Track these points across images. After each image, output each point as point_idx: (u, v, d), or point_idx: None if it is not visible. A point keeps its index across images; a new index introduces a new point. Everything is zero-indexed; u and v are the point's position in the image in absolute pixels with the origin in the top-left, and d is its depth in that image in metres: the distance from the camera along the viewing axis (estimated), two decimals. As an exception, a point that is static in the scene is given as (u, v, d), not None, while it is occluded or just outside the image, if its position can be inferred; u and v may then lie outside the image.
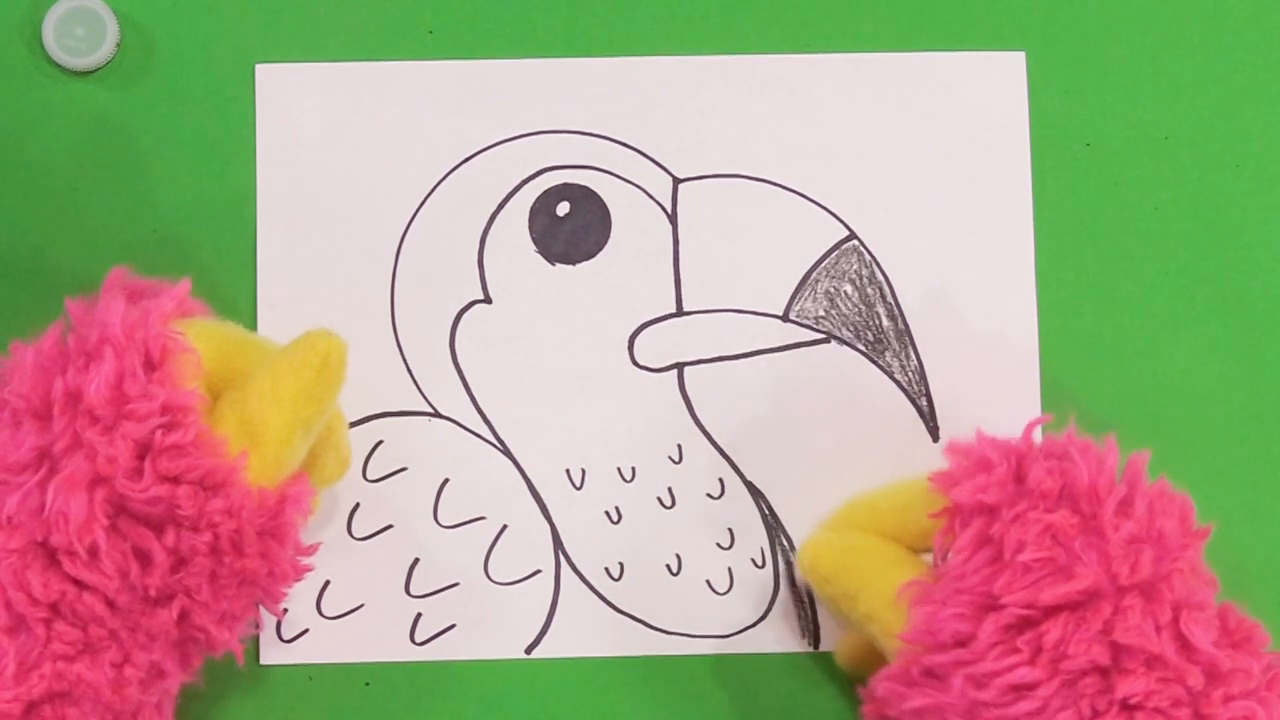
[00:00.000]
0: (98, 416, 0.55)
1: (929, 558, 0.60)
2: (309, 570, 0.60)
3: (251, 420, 0.57)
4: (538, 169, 0.67)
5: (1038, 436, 0.59)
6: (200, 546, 0.55)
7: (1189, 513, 0.58)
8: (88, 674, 0.55)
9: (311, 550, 0.60)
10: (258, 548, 0.56)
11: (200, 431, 0.56)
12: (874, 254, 0.67)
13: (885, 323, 0.67)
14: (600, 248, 0.67)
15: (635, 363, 0.66)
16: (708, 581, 0.66)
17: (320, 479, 0.61)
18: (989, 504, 0.57)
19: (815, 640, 0.66)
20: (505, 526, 0.66)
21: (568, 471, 0.66)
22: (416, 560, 0.65)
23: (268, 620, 0.64)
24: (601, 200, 0.67)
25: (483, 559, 0.66)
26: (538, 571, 0.66)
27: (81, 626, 0.55)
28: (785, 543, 0.66)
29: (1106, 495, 0.56)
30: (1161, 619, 0.55)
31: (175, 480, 0.55)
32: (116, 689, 0.56)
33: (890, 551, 0.60)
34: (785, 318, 0.67)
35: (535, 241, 0.67)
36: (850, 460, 0.66)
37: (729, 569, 0.66)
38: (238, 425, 0.57)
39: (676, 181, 0.67)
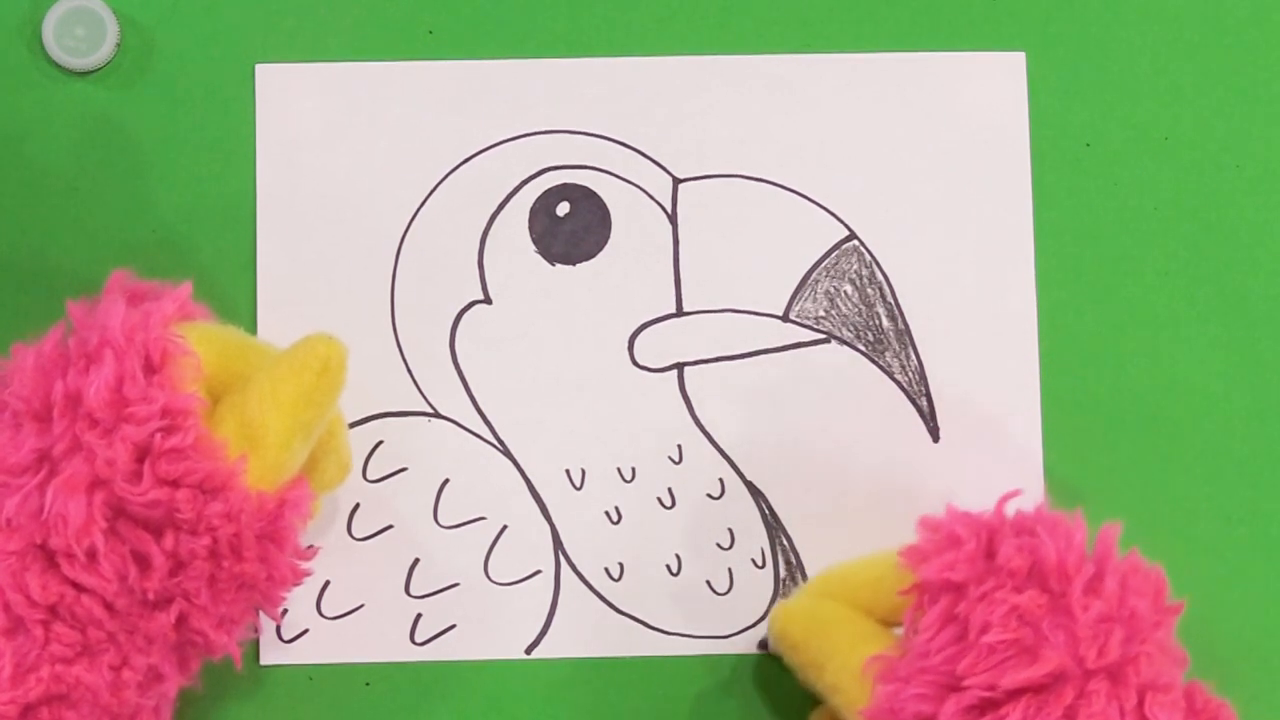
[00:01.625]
0: (97, 419, 0.55)
1: (902, 631, 0.59)
2: (308, 575, 0.60)
3: (251, 424, 0.56)
4: (538, 169, 0.67)
5: (1010, 510, 0.58)
6: (199, 550, 0.55)
7: (1162, 588, 0.57)
8: (86, 676, 0.55)
9: (310, 555, 0.60)
10: (256, 552, 0.56)
11: (200, 435, 0.55)
12: (874, 254, 0.67)
13: (885, 323, 0.67)
14: (600, 248, 0.67)
15: (635, 363, 0.66)
16: (708, 582, 0.66)
17: (321, 483, 0.61)
18: (956, 581, 0.56)
19: (815, 640, 0.66)
20: (505, 527, 0.66)
21: (568, 471, 0.66)
22: (416, 560, 0.65)
23: (267, 621, 0.64)
24: (601, 200, 0.67)
25: (483, 559, 0.66)
26: (538, 572, 0.66)
27: (80, 629, 0.55)
28: (785, 543, 0.66)
29: (1075, 573, 0.55)
30: (1127, 703, 0.54)
31: (174, 484, 0.55)
32: (114, 692, 0.56)
33: (860, 624, 0.60)
34: (785, 318, 0.67)
35: (535, 241, 0.67)
36: (850, 460, 0.66)
37: (729, 569, 0.66)
38: (237, 429, 0.57)
39: (676, 181, 0.67)
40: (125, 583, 0.55)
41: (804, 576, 0.66)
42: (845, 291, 0.67)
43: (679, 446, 0.66)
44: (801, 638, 0.61)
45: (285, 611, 0.65)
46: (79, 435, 0.55)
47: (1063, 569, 0.55)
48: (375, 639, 0.65)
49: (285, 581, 0.58)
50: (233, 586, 0.57)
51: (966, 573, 0.56)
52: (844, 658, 0.59)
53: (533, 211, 0.67)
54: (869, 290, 0.67)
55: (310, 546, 0.60)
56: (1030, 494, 0.66)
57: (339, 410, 0.61)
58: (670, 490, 0.66)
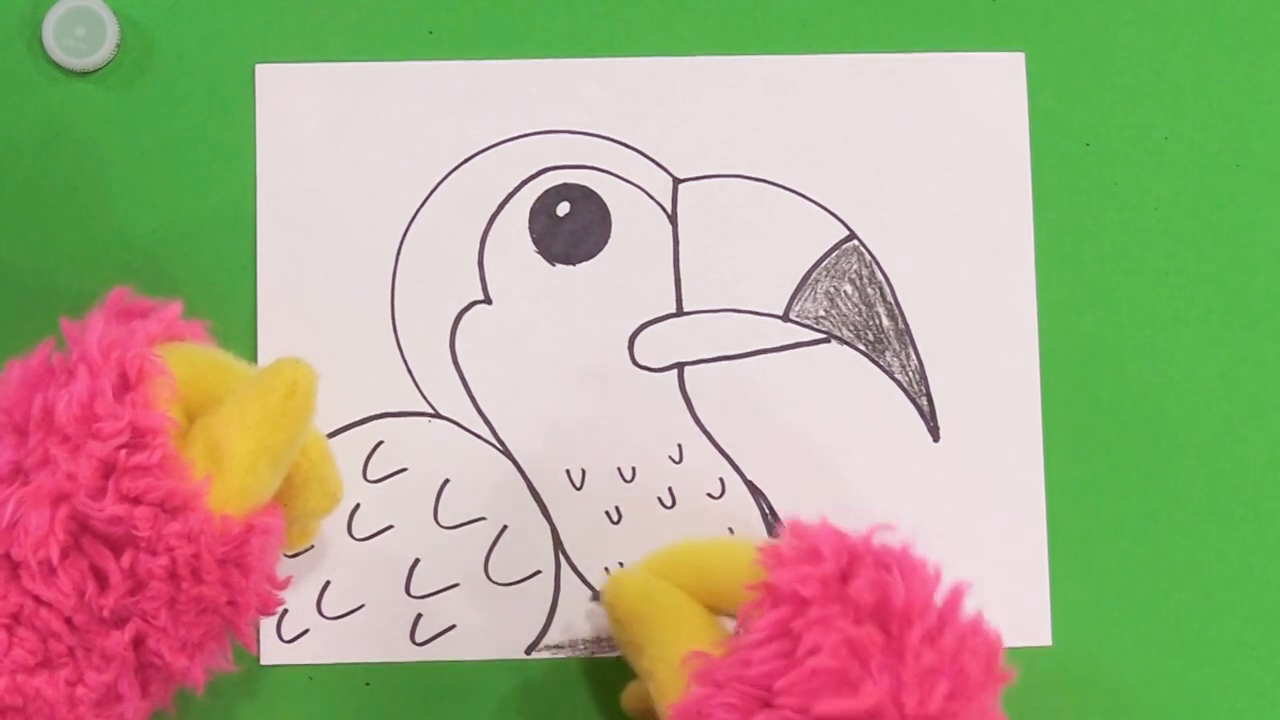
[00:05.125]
0: (67, 435, 0.55)
1: (734, 626, 0.58)
2: (280, 604, 0.59)
3: (217, 446, 0.56)
4: (538, 169, 0.67)
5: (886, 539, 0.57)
6: (157, 570, 0.55)
7: (995, 654, 0.56)
8: (45, 689, 0.55)
9: (285, 584, 0.59)
10: (218, 575, 0.56)
11: (166, 454, 0.55)
12: (874, 254, 0.67)
13: (885, 323, 0.67)
14: (600, 248, 0.67)
15: (635, 363, 0.66)
16: (708, 581, 0.66)
17: (305, 510, 0.60)
18: (803, 596, 0.55)
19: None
20: (505, 527, 0.66)
21: (568, 471, 0.66)
22: (417, 560, 0.65)
23: (268, 620, 0.64)
24: (601, 200, 0.67)
25: (483, 559, 0.66)
26: (538, 572, 0.66)
27: (42, 639, 0.55)
28: (785, 543, 0.66)
29: (917, 620, 0.54)
30: None
31: (135, 500, 0.54)
32: (70, 707, 0.56)
33: (691, 615, 0.59)
34: (785, 318, 0.67)
35: (535, 242, 0.67)
36: (850, 460, 0.66)
37: (729, 569, 0.66)
38: (204, 451, 0.56)
39: (676, 181, 0.67)
40: (83, 598, 0.55)
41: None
42: (845, 291, 0.67)
43: (679, 446, 0.66)
44: (628, 615, 0.60)
45: (286, 612, 0.65)
46: (49, 449, 0.55)
47: (906, 613, 0.54)
48: (375, 639, 0.65)
49: (251, 608, 0.57)
50: (193, 610, 0.56)
51: (815, 591, 0.55)
52: (665, 647, 0.58)
53: (533, 211, 0.67)
54: (869, 290, 0.67)
55: (287, 577, 0.59)
56: (1030, 494, 0.66)
57: (321, 439, 0.60)
58: (670, 490, 0.66)
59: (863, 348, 0.67)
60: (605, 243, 0.67)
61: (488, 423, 0.66)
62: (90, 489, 0.54)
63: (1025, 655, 0.65)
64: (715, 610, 0.59)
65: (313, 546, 0.65)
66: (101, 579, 0.55)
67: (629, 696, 0.64)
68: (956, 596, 0.56)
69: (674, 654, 0.57)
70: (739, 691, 0.55)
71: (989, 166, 0.67)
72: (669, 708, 0.57)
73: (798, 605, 0.55)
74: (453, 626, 0.65)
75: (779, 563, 0.56)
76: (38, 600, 0.55)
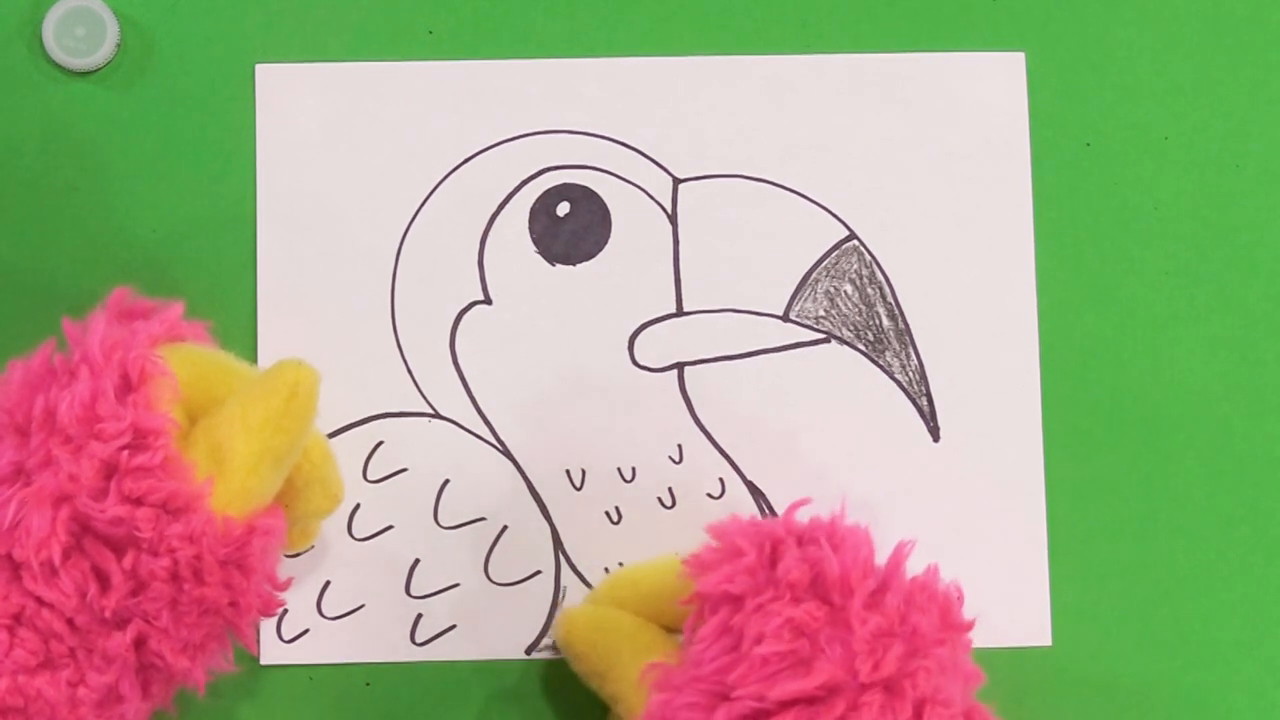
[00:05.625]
0: (69, 435, 0.55)
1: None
2: (281, 605, 0.59)
3: (219, 447, 0.56)
4: (538, 169, 0.67)
5: (804, 517, 0.58)
6: (159, 571, 0.55)
7: (950, 606, 0.56)
8: (47, 690, 0.55)
9: (286, 585, 0.59)
10: (219, 577, 0.56)
11: (168, 455, 0.55)
12: (874, 254, 0.67)
13: (885, 323, 0.67)
14: (600, 248, 0.67)
15: (635, 363, 0.66)
16: (708, 582, 0.66)
17: (306, 512, 0.60)
18: (734, 594, 0.55)
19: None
20: (505, 527, 0.66)
21: (568, 471, 0.66)
22: (417, 561, 0.65)
23: (268, 620, 0.64)
24: (601, 200, 0.67)
25: (483, 559, 0.66)
26: (538, 572, 0.66)
27: (44, 640, 0.55)
28: (785, 543, 0.66)
29: (857, 587, 0.55)
30: (901, 715, 0.53)
31: (137, 502, 0.54)
32: (71, 708, 0.56)
33: (643, 633, 0.60)
34: (785, 318, 0.67)
35: (535, 242, 0.67)
36: (850, 460, 0.66)
37: (729, 569, 0.66)
38: (206, 452, 0.56)
39: (676, 181, 0.67)
40: (84, 599, 0.55)
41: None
42: (845, 291, 0.67)
43: (679, 446, 0.66)
44: (584, 648, 0.61)
45: (286, 612, 0.65)
46: (51, 450, 0.55)
47: (845, 582, 0.55)
48: (375, 639, 0.65)
49: (252, 609, 0.57)
50: (195, 611, 0.56)
51: (745, 585, 0.55)
52: (624, 667, 0.58)
53: (533, 211, 0.67)
54: (869, 290, 0.67)
55: (288, 578, 0.59)
56: (1030, 494, 0.66)
57: (323, 440, 0.60)
58: (670, 490, 0.66)
59: (863, 348, 0.67)
60: (605, 243, 0.67)
61: (488, 423, 0.66)
62: (92, 490, 0.54)
63: (1025, 655, 0.65)
64: (669, 629, 0.60)
65: (313, 547, 0.65)
66: (103, 580, 0.55)
67: None
68: (898, 556, 0.56)
69: (634, 672, 0.58)
70: (697, 690, 0.55)
71: (989, 166, 0.67)
72: None
73: (733, 603, 0.55)
74: (453, 626, 0.65)
75: (703, 569, 0.56)
76: (39, 601, 0.55)
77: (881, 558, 0.56)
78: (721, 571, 0.56)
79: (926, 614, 0.55)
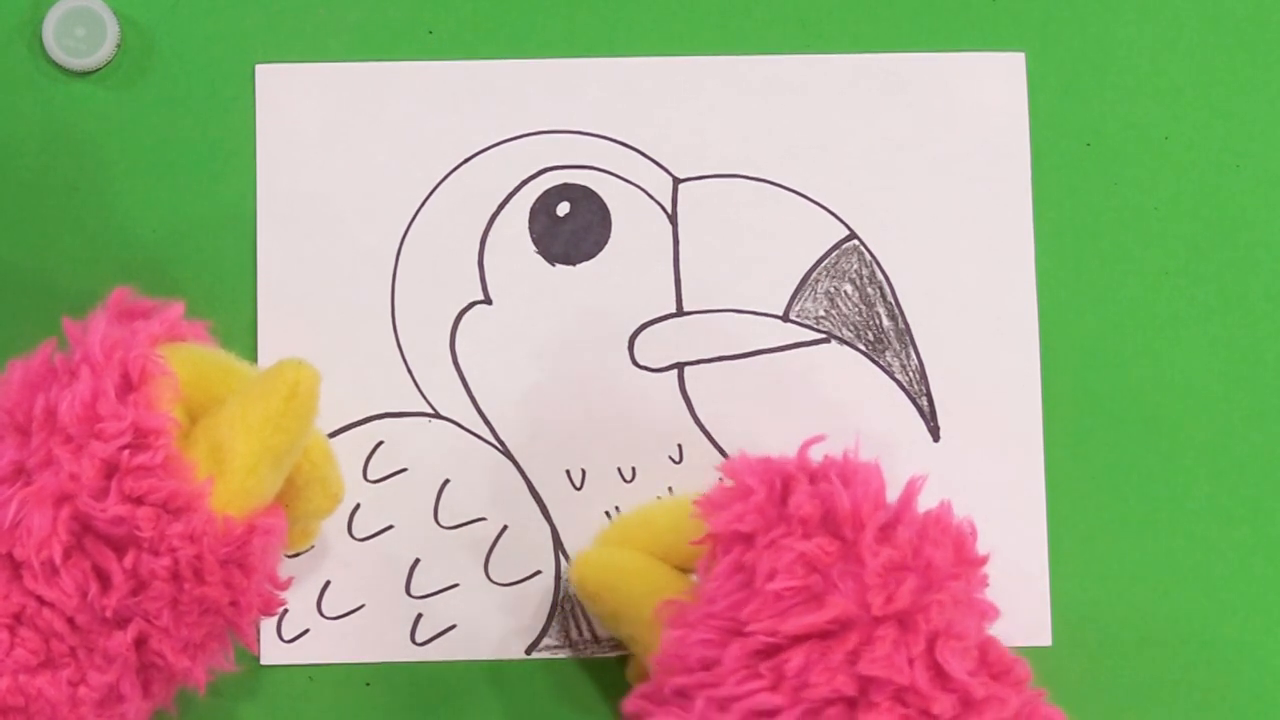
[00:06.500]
0: (70, 435, 0.55)
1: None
2: (281, 604, 0.59)
3: (219, 447, 0.56)
4: (538, 169, 0.67)
5: (818, 455, 0.58)
6: (159, 570, 0.55)
7: (964, 541, 0.56)
8: (48, 689, 0.55)
9: (286, 585, 0.59)
10: (220, 576, 0.56)
11: (169, 455, 0.55)
12: (874, 254, 0.67)
13: (885, 323, 0.67)
14: (600, 248, 0.67)
15: (635, 363, 0.66)
16: (708, 581, 0.66)
17: (307, 511, 0.60)
18: (745, 533, 0.56)
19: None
20: (505, 527, 0.66)
21: (568, 472, 0.66)
22: (417, 561, 0.65)
23: (268, 620, 0.64)
24: (601, 200, 0.67)
25: (483, 559, 0.66)
26: (538, 572, 0.66)
27: (44, 639, 0.55)
28: (785, 543, 0.66)
29: (868, 521, 0.55)
30: (915, 649, 0.53)
31: (138, 501, 0.54)
32: (72, 707, 0.56)
33: (656, 572, 0.60)
34: (785, 318, 0.67)
35: (535, 242, 0.67)
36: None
37: (729, 569, 0.66)
38: (207, 451, 0.56)
39: (676, 181, 0.67)
40: (85, 599, 0.55)
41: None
42: (845, 291, 0.67)
43: (679, 446, 0.66)
44: (598, 588, 0.60)
45: (286, 612, 0.65)
46: (52, 449, 0.55)
47: (856, 516, 0.55)
48: (375, 639, 0.65)
49: (253, 609, 0.57)
50: (195, 610, 0.56)
51: (755, 523, 0.55)
52: (639, 606, 0.59)
53: (533, 211, 0.67)
54: (869, 290, 0.67)
55: (288, 577, 0.59)
56: (1030, 494, 0.66)
57: (323, 439, 0.60)
58: (670, 490, 0.66)
59: (863, 348, 0.67)
60: (605, 243, 0.67)
61: (488, 423, 0.66)
62: (93, 489, 0.54)
63: (1025, 655, 0.65)
64: (682, 569, 0.60)
65: (313, 547, 0.65)
66: (104, 579, 0.55)
67: (631, 669, 0.64)
68: (910, 491, 0.56)
69: (648, 611, 0.58)
70: (711, 627, 0.55)
71: (989, 166, 0.67)
72: (651, 660, 0.57)
73: (745, 541, 0.56)
74: (453, 626, 0.65)
75: (714, 508, 0.57)
76: (40, 600, 0.55)
77: (893, 498, 0.57)
78: (732, 510, 0.56)
79: (940, 548, 0.55)
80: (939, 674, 0.54)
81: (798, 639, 0.54)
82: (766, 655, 0.54)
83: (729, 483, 0.58)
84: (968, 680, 0.54)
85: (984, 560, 0.57)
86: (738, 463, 0.58)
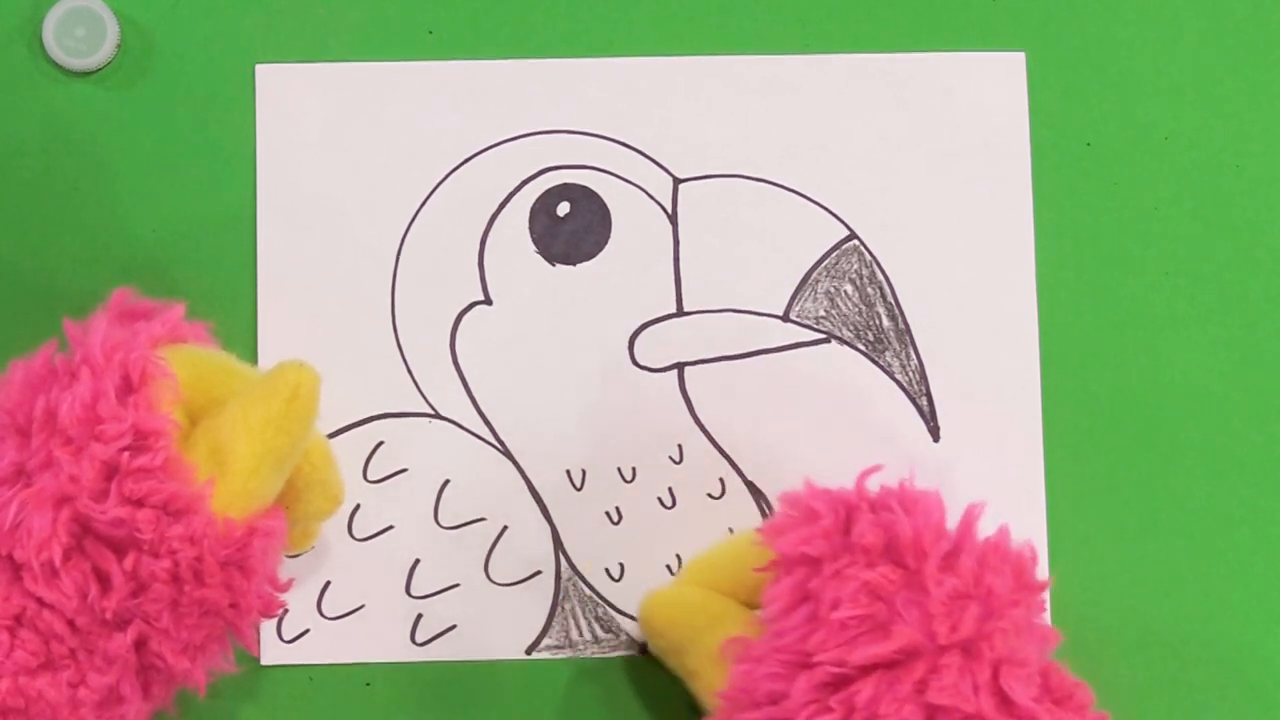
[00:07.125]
0: (70, 436, 0.55)
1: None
2: (282, 606, 0.59)
3: (220, 449, 0.56)
4: (538, 169, 0.67)
5: (873, 486, 0.58)
6: (159, 572, 0.55)
7: (1024, 567, 0.57)
8: (48, 691, 0.55)
9: (286, 586, 0.59)
10: (220, 578, 0.56)
11: (169, 457, 0.55)
12: (874, 254, 0.67)
13: (885, 323, 0.67)
14: (600, 248, 0.67)
15: (635, 363, 0.66)
16: (708, 582, 0.66)
17: (307, 513, 0.60)
18: (812, 556, 0.56)
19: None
20: (505, 527, 0.66)
21: (568, 472, 0.66)
22: (417, 561, 0.65)
23: (268, 621, 0.64)
24: (601, 200, 0.67)
25: (483, 560, 0.66)
26: (538, 572, 0.66)
27: (44, 641, 0.55)
28: (785, 543, 0.66)
29: (931, 549, 0.55)
30: (980, 677, 0.54)
31: (138, 503, 0.54)
32: (72, 709, 0.56)
33: (720, 607, 0.60)
34: (785, 318, 0.67)
35: (535, 242, 0.67)
36: (850, 460, 0.66)
37: (729, 569, 0.66)
38: (207, 453, 0.56)
39: (676, 181, 0.67)
40: (85, 600, 0.55)
41: (804, 576, 0.66)
42: (845, 291, 0.67)
43: (679, 446, 0.66)
44: (663, 624, 0.61)
45: (286, 613, 0.65)
46: (52, 451, 0.55)
47: (918, 545, 0.55)
48: (375, 639, 0.65)
49: (253, 610, 0.57)
50: (196, 612, 0.56)
51: (822, 548, 0.56)
52: (703, 641, 0.59)
53: (533, 211, 0.67)
54: (869, 290, 0.67)
55: (288, 579, 0.59)
56: (1030, 494, 0.66)
57: (324, 442, 0.60)
58: (670, 490, 0.66)
59: (863, 348, 0.67)
60: (605, 243, 0.67)
61: (488, 423, 0.66)
62: (93, 491, 0.54)
63: (1025, 655, 0.65)
64: (748, 605, 0.60)
65: (314, 548, 0.65)
66: (104, 581, 0.55)
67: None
68: (970, 519, 0.57)
69: (713, 646, 0.58)
70: (778, 660, 0.55)
71: (989, 166, 0.67)
72: (716, 696, 0.57)
73: (809, 566, 0.56)
74: (453, 626, 0.65)
75: (779, 534, 0.57)
76: (40, 602, 0.55)
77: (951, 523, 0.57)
78: (799, 534, 0.56)
79: (1000, 575, 0.56)
80: (1004, 700, 0.54)
81: (865, 669, 0.54)
82: (835, 687, 0.54)
83: (791, 511, 0.57)
84: (1033, 707, 0.54)
85: (1044, 585, 0.57)
86: (802, 491, 0.58)
